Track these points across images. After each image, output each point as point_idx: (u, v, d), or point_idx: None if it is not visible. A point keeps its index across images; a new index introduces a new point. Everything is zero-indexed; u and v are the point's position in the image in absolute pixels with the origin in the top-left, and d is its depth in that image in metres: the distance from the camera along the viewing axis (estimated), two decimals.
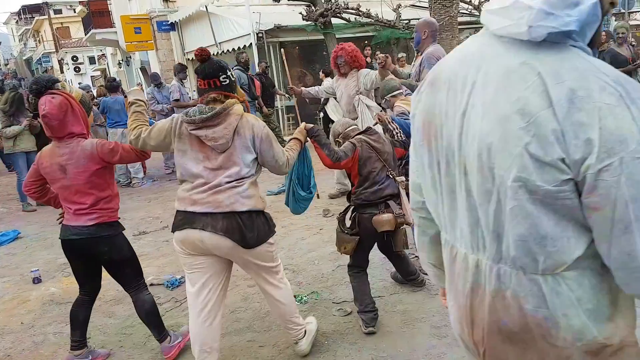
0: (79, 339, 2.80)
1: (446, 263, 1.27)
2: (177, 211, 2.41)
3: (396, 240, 3.03)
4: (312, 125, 2.86)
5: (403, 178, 2.94)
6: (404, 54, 9.27)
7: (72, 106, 2.54)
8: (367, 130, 3.07)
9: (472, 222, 1.12)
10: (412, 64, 4.98)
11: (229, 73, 2.38)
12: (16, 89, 7.32)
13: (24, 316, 3.55)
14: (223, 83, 2.34)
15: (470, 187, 1.10)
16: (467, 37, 10.00)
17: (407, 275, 3.32)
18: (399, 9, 10.90)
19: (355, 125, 3.22)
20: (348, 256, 3.05)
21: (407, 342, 2.75)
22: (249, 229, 2.33)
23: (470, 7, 12.17)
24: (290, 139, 2.74)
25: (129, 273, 2.79)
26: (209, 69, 2.34)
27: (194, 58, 2.45)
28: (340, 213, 3.13)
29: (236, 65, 7.61)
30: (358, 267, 3.05)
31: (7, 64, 53.68)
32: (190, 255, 2.40)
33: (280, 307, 2.60)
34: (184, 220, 2.35)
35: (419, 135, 1.23)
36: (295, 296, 3.26)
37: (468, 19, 12.10)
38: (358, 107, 5.14)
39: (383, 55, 4.53)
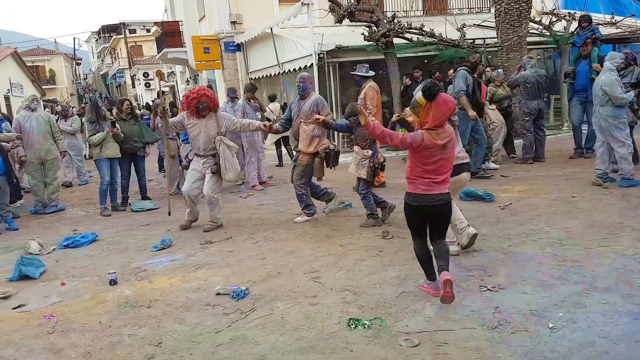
0: (433, 271, 3.66)
1: None
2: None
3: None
4: None
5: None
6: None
7: None
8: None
9: None
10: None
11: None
12: (93, 100, 8.06)
13: (101, 316, 3.75)
14: None
15: None
16: (537, 57, 9.72)
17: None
18: (464, 29, 10.81)
19: None
20: (412, 284, 3.87)
21: None
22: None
23: (540, 27, 11.88)
24: None
25: (447, 227, 3.78)
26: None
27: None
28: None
29: (463, 66, 7.39)
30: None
31: (86, 78, 57.70)
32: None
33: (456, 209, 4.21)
34: (458, 169, 4.21)
35: None
36: (357, 320, 3.29)
37: (537, 39, 11.80)
38: (220, 147, 5.79)
39: (317, 118, 5.58)
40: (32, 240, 5.65)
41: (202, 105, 5.73)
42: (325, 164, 5.90)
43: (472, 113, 7.07)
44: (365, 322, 3.29)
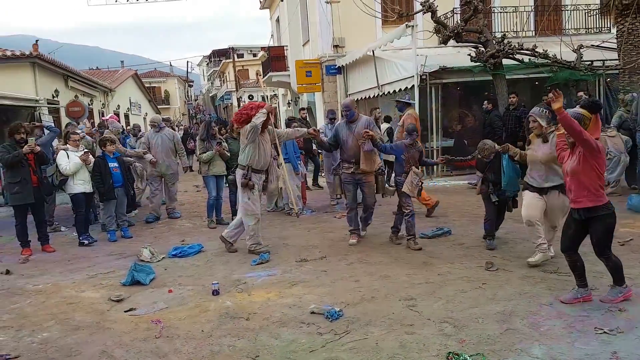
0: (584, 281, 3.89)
1: None
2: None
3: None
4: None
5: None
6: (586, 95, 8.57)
7: None
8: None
9: None
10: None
11: None
12: (207, 120, 8.65)
13: (204, 324, 3.91)
14: None
15: None
16: None
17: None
18: (581, 50, 10.10)
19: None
20: (519, 321, 3.63)
21: None
22: None
23: None
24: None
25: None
26: None
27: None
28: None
29: None
30: None
31: (197, 100, 62.26)
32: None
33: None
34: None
35: None
36: (457, 354, 3.13)
37: None
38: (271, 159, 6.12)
39: (367, 133, 5.86)
40: (144, 248, 6.08)
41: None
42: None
43: None
44: (467, 357, 3.10)
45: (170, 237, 7.16)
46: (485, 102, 9.82)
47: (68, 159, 6.81)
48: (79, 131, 7.95)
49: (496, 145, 5.38)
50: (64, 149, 6.97)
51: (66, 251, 6.60)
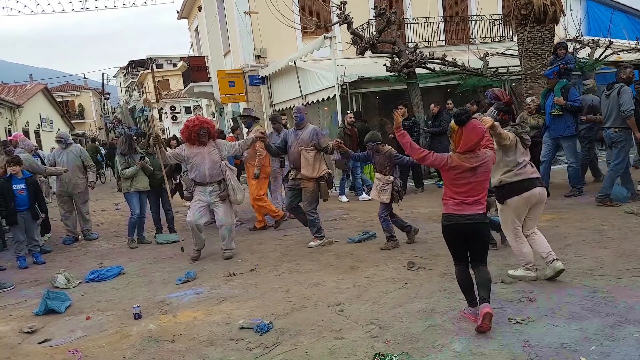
0: (474, 297, 3.63)
1: None
2: (517, 181, 4.18)
3: None
4: None
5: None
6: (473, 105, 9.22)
7: None
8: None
9: None
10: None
11: None
12: (127, 133, 8.28)
13: (125, 350, 3.75)
14: None
15: None
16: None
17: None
18: (487, 57, 10.85)
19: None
20: (440, 317, 3.77)
21: None
22: None
23: None
24: None
25: (486, 251, 3.67)
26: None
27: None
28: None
29: (621, 83, 6.92)
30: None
31: (114, 112, 59.47)
32: (523, 207, 4.22)
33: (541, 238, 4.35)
34: (528, 183, 4.19)
35: None
36: (383, 355, 3.22)
37: None
38: (225, 172, 6.11)
39: (337, 141, 6.22)
40: (58, 274, 5.70)
41: (204, 131, 6.01)
42: (327, 187, 6.38)
43: (639, 135, 6.82)
44: (393, 357, 3.21)
45: (87, 261, 6.76)
46: (348, 111, 10.21)
47: None
48: None
49: None
50: None
51: None
